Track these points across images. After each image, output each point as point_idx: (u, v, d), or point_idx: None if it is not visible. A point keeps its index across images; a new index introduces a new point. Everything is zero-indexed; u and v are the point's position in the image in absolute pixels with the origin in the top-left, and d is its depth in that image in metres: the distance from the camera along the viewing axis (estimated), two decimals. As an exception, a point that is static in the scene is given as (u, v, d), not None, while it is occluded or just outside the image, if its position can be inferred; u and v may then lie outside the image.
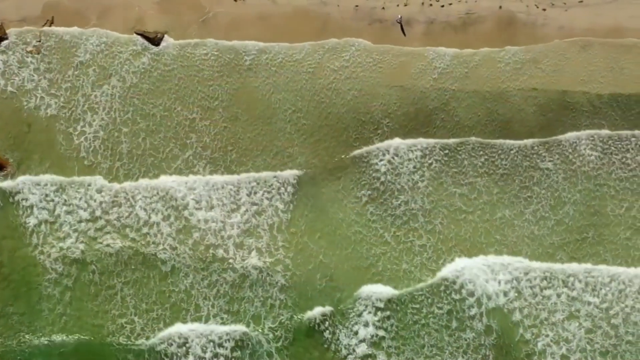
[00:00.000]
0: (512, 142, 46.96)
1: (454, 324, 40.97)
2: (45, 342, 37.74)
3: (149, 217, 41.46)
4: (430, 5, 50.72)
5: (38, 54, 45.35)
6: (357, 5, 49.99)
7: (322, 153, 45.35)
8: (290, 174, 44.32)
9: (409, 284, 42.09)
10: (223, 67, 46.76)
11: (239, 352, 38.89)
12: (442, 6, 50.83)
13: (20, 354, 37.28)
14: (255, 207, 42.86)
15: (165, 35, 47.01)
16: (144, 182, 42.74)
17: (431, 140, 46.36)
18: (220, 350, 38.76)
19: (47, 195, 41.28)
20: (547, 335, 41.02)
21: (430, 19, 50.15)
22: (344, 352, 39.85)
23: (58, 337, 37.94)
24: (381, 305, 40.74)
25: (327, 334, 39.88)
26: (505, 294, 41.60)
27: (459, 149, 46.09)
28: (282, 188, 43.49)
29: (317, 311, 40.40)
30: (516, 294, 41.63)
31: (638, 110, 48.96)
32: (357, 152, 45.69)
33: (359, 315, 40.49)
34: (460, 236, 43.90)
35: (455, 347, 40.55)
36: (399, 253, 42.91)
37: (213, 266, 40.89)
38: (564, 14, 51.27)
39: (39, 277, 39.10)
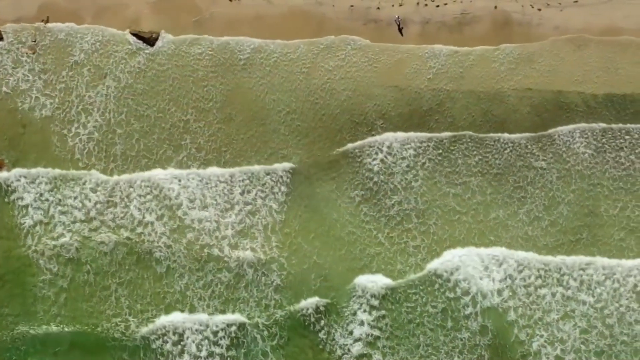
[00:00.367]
0: (506, 135, 47.18)
1: (449, 324, 40.80)
2: (42, 334, 37.88)
3: (144, 217, 41.67)
4: (426, 5, 51.13)
5: (33, 53, 45.61)
6: (352, 5, 50.42)
7: (316, 154, 45.61)
8: (283, 166, 44.58)
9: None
10: (218, 67, 47.12)
11: (234, 351, 38.92)
12: (437, 6, 51.25)
13: (15, 351, 37.36)
14: (249, 207, 43.07)
15: (162, 32, 47.25)
16: (137, 175, 42.94)
17: (424, 135, 46.59)
18: (216, 350, 38.76)
19: (41, 195, 41.46)
20: (541, 336, 40.90)
21: (425, 19, 50.54)
22: (338, 352, 39.81)
23: (54, 329, 38.14)
24: (377, 295, 40.82)
25: (322, 335, 39.90)
26: (500, 292, 41.50)
27: (452, 148, 46.23)
28: (276, 188, 43.71)
29: (310, 301, 40.57)
30: (510, 293, 41.49)
31: (633, 110, 49.09)
32: (349, 146, 45.90)
33: (354, 314, 40.50)
34: (455, 237, 44.00)
35: (451, 347, 40.46)
36: (393, 254, 42.98)
37: (208, 266, 41.01)
38: (559, 14, 51.62)
39: (34, 277, 39.25)
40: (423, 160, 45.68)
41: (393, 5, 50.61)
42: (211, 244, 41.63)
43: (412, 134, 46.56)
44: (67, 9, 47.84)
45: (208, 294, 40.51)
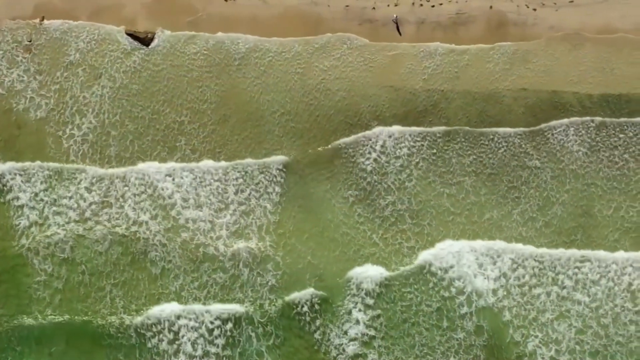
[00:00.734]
0: (501, 130, 47.37)
1: (445, 324, 41.17)
2: (37, 334, 38.34)
3: (138, 216, 42.00)
4: (421, 5, 51.18)
5: (29, 53, 45.74)
6: (347, 5, 50.54)
7: (310, 154, 45.72)
8: (276, 160, 44.94)
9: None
10: (213, 67, 47.32)
11: (230, 351, 39.36)
12: (433, 6, 51.27)
13: (10, 351, 37.95)
14: (243, 207, 43.36)
15: (159, 29, 47.48)
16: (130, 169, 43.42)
17: (417, 129, 46.81)
18: (212, 349, 39.22)
19: (37, 195, 41.84)
20: (536, 336, 41.18)
21: (420, 19, 50.63)
22: (334, 352, 40.16)
23: (49, 327, 38.60)
24: (371, 292, 41.21)
25: (317, 335, 40.31)
26: (495, 292, 41.81)
27: (446, 147, 46.39)
28: (270, 187, 44.00)
29: (306, 292, 41.07)
30: (505, 293, 41.83)
31: (628, 110, 49.04)
32: (341, 141, 46.11)
33: (349, 313, 40.90)
34: (449, 238, 43.93)
35: (447, 347, 40.76)
36: (387, 255, 43.08)
37: (203, 266, 41.35)
38: (554, 14, 51.63)
39: (29, 278, 39.69)
40: (417, 160, 45.86)
41: (388, 5, 50.72)
42: (206, 243, 41.94)
43: (405, 128, 46.76)
44: (62, 8, 48.02)
45: (203, 294, 40.86)
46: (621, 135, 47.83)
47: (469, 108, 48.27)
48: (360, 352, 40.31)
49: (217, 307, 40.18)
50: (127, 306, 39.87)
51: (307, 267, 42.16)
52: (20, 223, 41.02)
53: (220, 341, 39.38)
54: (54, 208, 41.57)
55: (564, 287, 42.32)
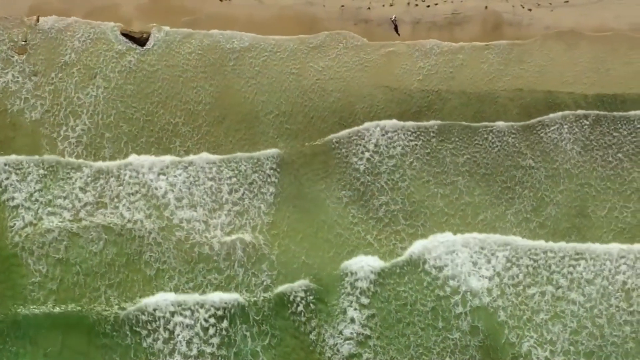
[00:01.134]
0: (493, 124, 47.70)
1: (440, 324, 41.28)
2: (32, 335, 38.33)
3: (133, 215, 42.19)
4: (416, 5, 51.47)
5: (24, 54, 45.87)
6: (342, 6, 50.80)
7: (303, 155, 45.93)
8: (269, 153, 45.15)
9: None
10: (207, 67, 47.65)
11: (225, 351, 39.46)
12: (428, 6, 51.60)
13: (6, 352, 37.96)
14: (237, 208, 43.56)
15: (154, 28, 47.65)
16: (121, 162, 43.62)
17: (411, 124, 47.12)
18: (207, 349, 39.32)
19: (31, 195, 42.05)
20: (531, 337, 41.34)
21: (416, 19, 50.89)
22: (329, 352, 40.30)
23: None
24: (366, 290, 41.38)
25: (312, 336, 40.46)
26: (489, 291, 41.96)
27: (440, 147, 46.56)
28: (264, 188, 44.17)
29: (300, 283, 41.32)
30: (499, 292, 41.98)
31: (623, 111, 49.22)
32: (332, 136, 46.33)
33: (344, 312, 40.99)
34: (443, 239, 44.12)
35: (442, 347, 40.91)
36: (382, 256, 43.05)
37: (198, 267, 41.50)
38: (549, 14, 51.97)
39: (24, 279, 39.81)
40: (411, 160, 46.09)
41: (384, 6, 51.00)
42: (202, 241, 42.13)
43: (398, 122, 47.02)
44: (58, 8, 48.26)
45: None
46: (615, 134, 48.09)
47: (464, 108, 48.61)
48: (355, 352, 40.43)
49: (216, 296, 40.50)
50: (122, 306, 39.84)
51: (302, 267, 42.32)
52: (15, 224, 41.27)
53: (216, 340, 39.51)
54: (49, 208, 41.82)
55: (559, 287, 42.48)
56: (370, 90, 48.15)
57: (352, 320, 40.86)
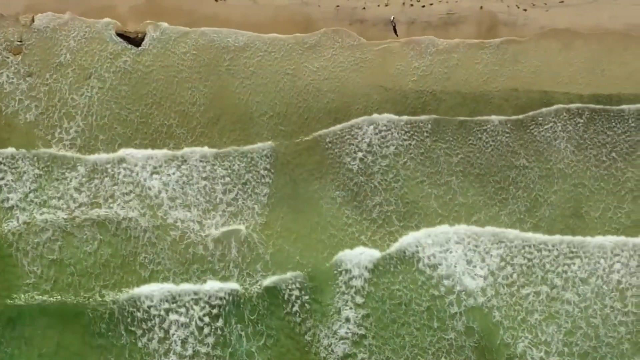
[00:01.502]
0: (488, 117, 47.98)
1: (435, 324, 41.56)
2: (28, 335, 38.70)
3: (127, 214, 42.49)
4: (411, 5, 51.54)
5: (19, 54, 46.05)
6: (338, 6, 50.88)
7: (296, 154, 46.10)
8: (262, 146, 45.42)
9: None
10: (202, 67, 47.83)
11: (220, 351, 39.73)
12: (423, 6, 51.64)
13: (2, 353, 38.39)
14: (231, 209, 43.81)
15: (149, 26, 47.83)
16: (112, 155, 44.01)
17: (404, 118, 47.32)
18: (202, 349, 39.62)
19: (26, 196, 42.37)
20: (526, 338, 41.60)
21: (411, 19, 50.99)
22: (324, 353, 40.60)
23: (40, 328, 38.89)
24: (360, 289, 41.66)
25: (307, 337, 40.74)
26: (484, 291, 42.22)
27: (434, 147, 46.70)
28: (258, 188, 44.40)
29: (293, 274, 41.77)
30: (494, 292, 42.21)
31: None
32: (323, 131, 46.59)
33: (338, 312, 41.24)
34: (437, 241, 44.36)
35: (437, 348, 41.14)
36: (376, 257, 43.25)
37: (192, 268, 41.75)
38: (544, 14, 51.98)
39: (19, 280, 40.17)
40: (404, 160, 46.27)
41: (379, 6, 51.13)
42: (196, 241, 42.40)
43: (392, 116, 47.28)
44: (53, 9, 48.36)
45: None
46: (609, 133, 48.20)
47: (459, 108, 48.74)
48: (350, 352, 40.72)
49: (215, 285, 40.87)
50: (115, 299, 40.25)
51: (296, 268, 42.47)
52: (9, 224, 41.63)
53: (210, 340, 39.80)
54: (44, 209, 42.15)
55: (554, 287, 42.73)
56: (365, 91, 48.30)
57: (347, 320, 41.11)
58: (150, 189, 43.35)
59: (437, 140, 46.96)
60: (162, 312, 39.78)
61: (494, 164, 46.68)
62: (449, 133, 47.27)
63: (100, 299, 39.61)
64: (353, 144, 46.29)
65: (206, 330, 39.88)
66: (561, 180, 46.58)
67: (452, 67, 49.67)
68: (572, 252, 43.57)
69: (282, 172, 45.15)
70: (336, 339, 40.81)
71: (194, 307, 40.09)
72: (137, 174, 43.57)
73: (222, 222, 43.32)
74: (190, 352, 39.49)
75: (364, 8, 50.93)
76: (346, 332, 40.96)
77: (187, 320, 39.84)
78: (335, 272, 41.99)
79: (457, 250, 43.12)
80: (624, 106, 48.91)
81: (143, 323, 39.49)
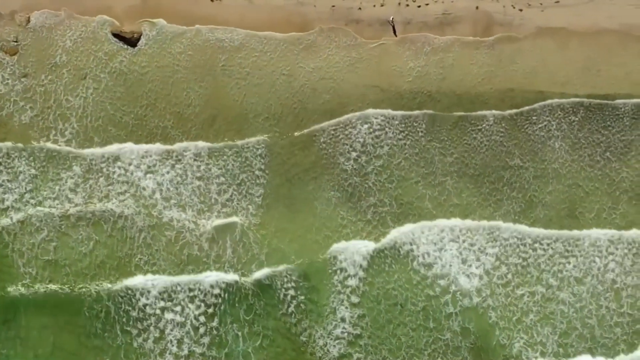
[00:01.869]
0: (481, 113, 48.25)
1: (431, 324, 41.80)
2: (23, 337, 39.02)
3: (123, 211, 42.73)
4: (407, 5, 51.58)
5: (15, 54, 46.18)
6: (333, 6, 50.92)
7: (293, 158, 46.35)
8: (255, 140, 45.74)
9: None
10: (197, 68, 47.91)
11: (215, 352, 40.02)
12: (419, 6, 51.68)
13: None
14: (226, 209, 44.04)
15: (144, 26, 48.04)
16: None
17: (398, 113, 47.59)
18: (197, 349, 39.90)
19: (22, 196, 42.64)
20: (522, 338, 41.86)
21: (407, 19, 51.02)
22: (319, 352, 40.86)
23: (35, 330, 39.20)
24: (355, 289, 41.94)
25: (303, 337, 40.99)
26: (479, 291, 42.44)
27: (428, 146, 46.88)
28: (253, 189, 44.61)
29: (285, 267, 42.16)
30: (489, 292, 42.50)
31: (615, 111, 49.45)
32: (316, 127, 46.79)
33: (334, 312, 41.51)
34: (431, 242, 44.58)
35: (433, 349, 41.41)
36: (370, 258, 43.52)
37: (187, 269, 41.98)
38: (540, 15, 52.02)
39: (14, 280, 40.40)
40: (399, 160, 46.46)
41: (374, 6, 51.19)
42: (191, 242, 42.64)
43: (385, 111, 47.58)
44: (50, 8, 48.34)
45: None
46: (605, 132, 48.39)
47: (455, 109, 48.82)
48: (345, 353, 40.94)
49: (213, 275, 41.28)
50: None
51: (292, 268, 42.63)
52: (2, 222, 41.94)
53: (206, 340, 40.07)
54: (39, 207, 42.41)
55: (549, 287, 42.98)
56: (361, 91, 48.39)
57: (343, 320, 41.35)
58: (144, 189, 43.62)
59: (432, 140, 47.12)
60: (158, 311, 40.16)
61: (489, 164, 46.83)
62: (443, 133, 47.47)
63: (96, 289, 39.97)
64: (347, 144, 46.47)
65: (202, 330, 40.18)
66: (556, 180, 46.72)
67: (448, 68, 49.84)
68: (567, 251, 43.91)
69: (277, 173, 45.31)
70: (332, 339, 41.02)
71: (190, 305, 40.41)
72: (132, 174, 43.84)
73: (217, 223, 43.48)
74: (185, 352, 39.74)
75: (360, 8, 50.99)
76: (342, 332, 41.16)
77: (183, 319, 40.16)
78: (329, 262, 42.44)
79: (452, 249, 43.39)
80: (619, 101, 49.19)
81: (139, 323, 39.89)
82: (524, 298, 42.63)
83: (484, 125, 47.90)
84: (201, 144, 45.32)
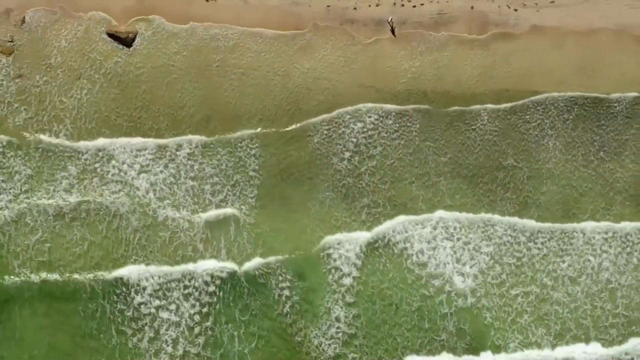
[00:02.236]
0: (478, 107, 48.53)
1: (426, 325, 42.13)
2: (19, 337, 39.31)
3: (119, 209, 43.00)
4: (402, 5, 51.69)
5: (11, 54, 46.29)
6: (328, 6, 51.01)
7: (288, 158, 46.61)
8: (248, 134, 46.04)
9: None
10: (192, 68, 48.09)
11: (210, 352, 40.37)
12: (414, 6, 51.82)
13: None
14: (221, 210, 44.33)
15: (142, 24, 48.26)
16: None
17: (391, 107, 47.87)
18: (193, 350, 40.22)
19: (17, 197, 42.89)
20: (516, 339, 42.18)
21: (402, 19, 51.17)
22: (314, 353, 41.19)
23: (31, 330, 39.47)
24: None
25: (298, 338, 41.29)
26: (473, 291, 42.74)
27: (422, 146, 47.06)
28: (247, 190, 44.86)
29: (276, 258, 42.62)
30: (484, 292, 42.80)
31: (610, 111, 49.63)
32: (309, 121, 47.09)
33: (328, 312, 41.79)
34: (424, 243, 44.93)
35: (429, 350, 41.74)
36: (364, 258, 43.89)
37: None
38: (535, 14, 52.23)
39: (10, 281, 40.63)
40: (392, 161, 46.62)
41: (370, 6, 51.35)
42: (185, 242, 42.93)
43: (379, 105, 47.83)
44: (45, 7, 48.50)
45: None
46: (600, 132, 48.59)
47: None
48: (340, 353, 41.23)
49: (211, 265, 41.68)
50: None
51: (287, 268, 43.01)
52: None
53: (201, 340, 40.37)
54: (35, 208, 42.65)
55: (544, 287, 43.22)
56: (356, 91, 48.60)
57: (338, 319, 41.64)
58: (138, 188, 43.89)
59: (426, 140, 47.33)
60: (153, 310, 40.56)
61: (483, 165, 47.02)
62: (437, 132, 47.69)
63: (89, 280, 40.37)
64: (340, 144, 46.71)
65: (197, 330, 40.52)
66: (550, 181, 46.91)
67: (443, 68, 50.07)
68: (562, 250, 44.22)
69: (271, 173, 45.56)
70: (327, 338, 41.33)
71: (185, 304, 40.73)
72: (126, 173, 44.07)
73: (212, 226, 43.78)
74: (181, 352, 40.07)
75: (355, 8, 51.14)
76: (337, 332, 41.44)
77: (178, 319, 40.53)
78: (323, 261, 42.79)
79: (446, 247, 43.65)
80: (614, 95, 49.48)
81: (133, 322, 40.27)
82: (518, 298, 42.87)
83: (477, 124, 48.03)
84: (195, 137, 45.46)
